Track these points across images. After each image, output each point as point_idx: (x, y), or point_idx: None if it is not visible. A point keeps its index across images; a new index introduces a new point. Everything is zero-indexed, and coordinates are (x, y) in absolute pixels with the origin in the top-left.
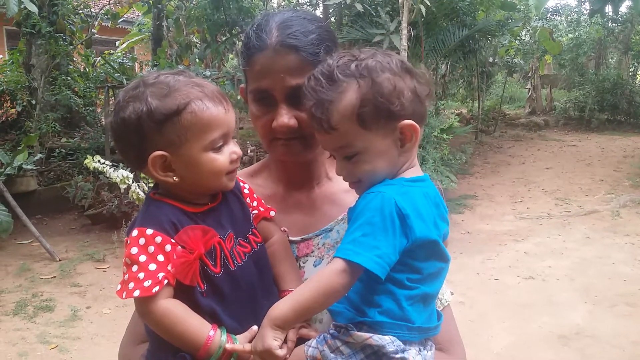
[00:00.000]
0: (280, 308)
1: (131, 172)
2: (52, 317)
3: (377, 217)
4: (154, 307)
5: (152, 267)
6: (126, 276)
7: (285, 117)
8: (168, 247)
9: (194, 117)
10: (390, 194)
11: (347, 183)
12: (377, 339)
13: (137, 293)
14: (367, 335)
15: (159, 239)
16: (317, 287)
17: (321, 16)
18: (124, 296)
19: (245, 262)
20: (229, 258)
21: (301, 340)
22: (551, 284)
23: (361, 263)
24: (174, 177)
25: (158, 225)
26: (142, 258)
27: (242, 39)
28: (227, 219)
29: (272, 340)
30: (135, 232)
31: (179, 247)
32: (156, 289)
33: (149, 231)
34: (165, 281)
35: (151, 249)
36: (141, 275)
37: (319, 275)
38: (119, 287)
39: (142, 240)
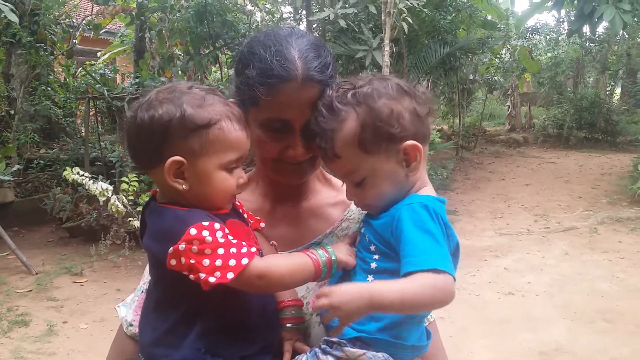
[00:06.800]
0: (386, 293)
1: (110, 184)
2: (28, 332)
3: (433, 225)
4: (257, 270)
5: (235, 242)
6: (205, 261)
7: (303, 148)
8: (231, 237)
9: (221, 134)
10: (433, 204)
11: (345, 200)
12: (370, 355)
13: (245, 261)
14: (361, 351)
15: (219, 229)
16: (431, 287)
17: (305, 31)
18: (217, 276)
19: None
20: None
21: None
22: (531, 300)
23: (448, 270)
24: (183, 185)
25: (209, 218)
26: (222, 240)
27: (256, 64)
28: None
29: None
30: (193, 230)
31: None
32: (253, 250)
33: (206, 223)
34: (254, 249)
35: (220, 233)
36: (233, 250)
37: (425, 278)
38: (202, 275)
39: (205, 232)
